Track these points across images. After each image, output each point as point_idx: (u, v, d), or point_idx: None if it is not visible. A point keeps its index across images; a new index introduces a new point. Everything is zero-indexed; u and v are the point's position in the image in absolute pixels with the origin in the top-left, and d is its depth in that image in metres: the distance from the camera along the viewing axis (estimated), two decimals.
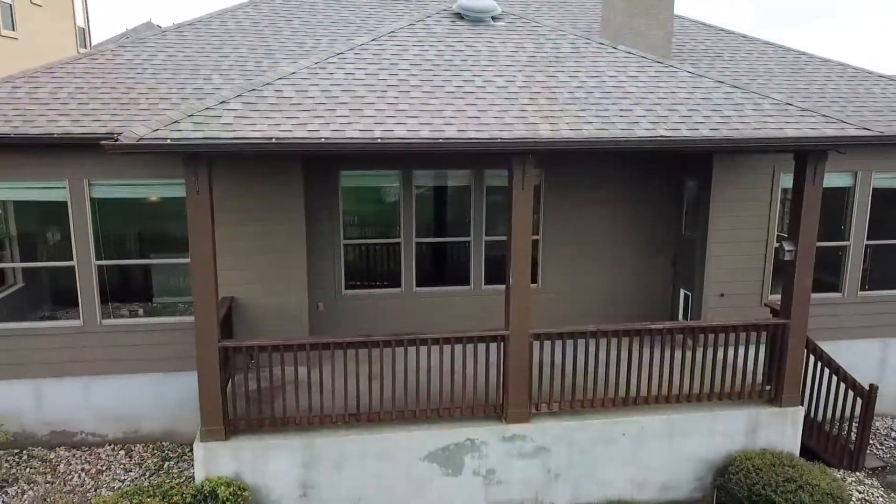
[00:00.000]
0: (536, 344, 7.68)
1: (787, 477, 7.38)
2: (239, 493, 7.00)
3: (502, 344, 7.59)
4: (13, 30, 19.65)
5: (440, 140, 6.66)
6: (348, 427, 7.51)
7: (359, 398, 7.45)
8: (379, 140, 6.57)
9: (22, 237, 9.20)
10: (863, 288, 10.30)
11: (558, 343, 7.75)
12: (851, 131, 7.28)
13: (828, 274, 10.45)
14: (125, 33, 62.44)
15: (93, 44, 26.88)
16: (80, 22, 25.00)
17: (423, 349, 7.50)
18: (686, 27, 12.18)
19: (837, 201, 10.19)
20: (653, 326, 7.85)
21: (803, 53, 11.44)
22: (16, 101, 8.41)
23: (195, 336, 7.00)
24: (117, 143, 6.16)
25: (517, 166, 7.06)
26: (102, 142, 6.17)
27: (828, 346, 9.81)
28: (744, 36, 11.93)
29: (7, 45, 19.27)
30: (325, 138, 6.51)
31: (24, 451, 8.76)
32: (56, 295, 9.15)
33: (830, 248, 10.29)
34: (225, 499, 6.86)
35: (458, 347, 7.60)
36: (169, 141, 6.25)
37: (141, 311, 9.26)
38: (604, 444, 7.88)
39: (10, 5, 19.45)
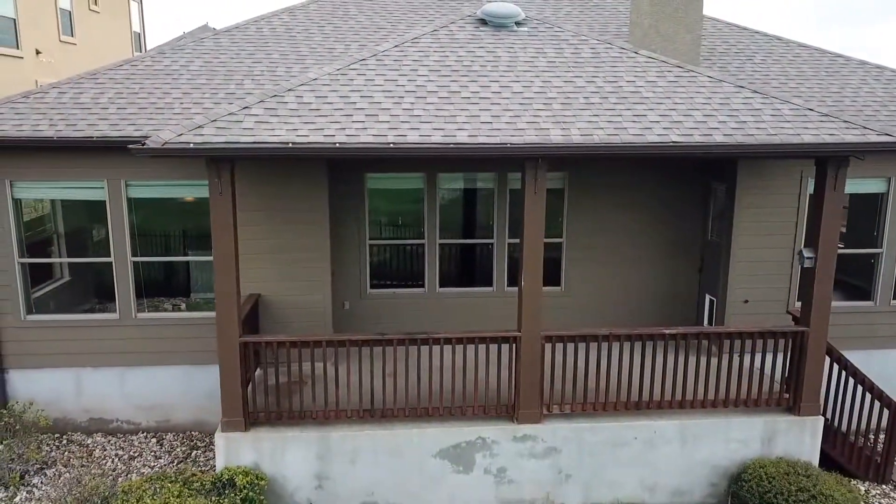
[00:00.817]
0: (549, 346, 7.77)
1: (801, 486, 7.29)
2: (256, 481, 7.30)
3: (514, 345, 7.72)
4: (72, 36, 20.62)
5: (451, 145, 6.83)
6: (362, 422, 7.74)
7: (373, 394, 7.68)
8: (391, 145, 6.78)
9: (68, 234, 9.78)
10: None
11: (570, 345, 7.83)
12: (873, 137, 7.16)
13: (860, 282, 10.24)
14: (182, 36, 64.39)
15: (148, 47, 27.90)
16: (136, 27, 26.03)
17: (437, 348, 7.68)
18: (719, 29, 12.05)
19: (871, 207, 9.98)
20: (666, 331, 7.85)
21: (840, 56, 11.19)
22: (61, 106, 8.92)
23: (217, 331, 7.33)
24: (144, 146, 6.53)
25: (529, 171, 7.18)
26: (130, 146, 6.54)
27: (859, 356, 9.65)
28: (778, 38, 11.73)
29: (66, 50, 20.23)
30: (340, 143, 6.75)
31: (64, 436, 9.29)
32: (99, 289, 9.65)
33: (862, 256, 10.09)
34: (242, 486, 7.17)
35: (471, 347, 7.77)
36: (192, 145, 6.58)
37: (183, 306, 9.72)
38: (615, 447, 7.92)
39: (70, 13, 20.42)
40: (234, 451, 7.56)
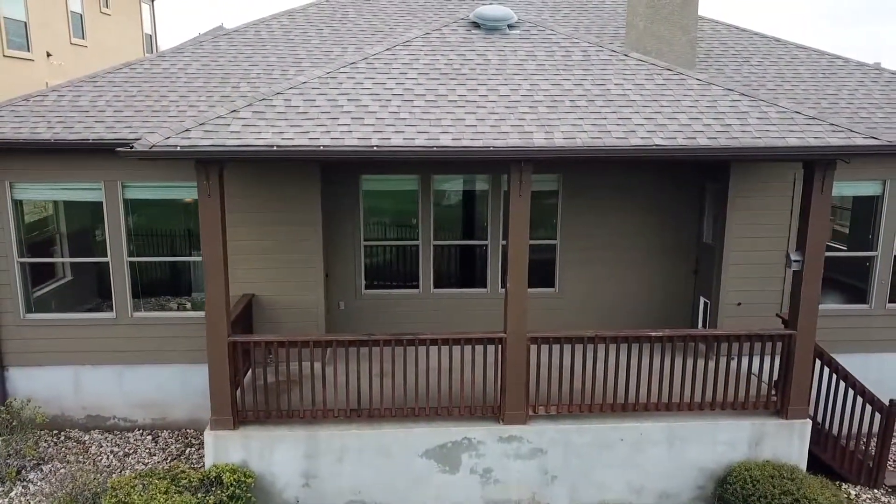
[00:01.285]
0: (534, 347, 7.81)
1: (784, 489, 7.29)
2: (243, 479, 7.40)
3: (500, 346, 7.77)
4: (83, 38, 20.90)
5: (434, 148, 6.90)
6: (350, 422, 7.83)
7: (360, 394, 7.77)
8: (375, 147, 6.86)
9: (69, 235, 9.97)
10: (892, 300, 9.97)
11: (556, 347, 7.86)
12: (858, 140, 7.13)
13: (856, 284, 10.18)
14: (196, 37, 64.88)
15: (161, 49, 28.17)
16: (148, 28, 26.30)
17: (423, 349, 7.74)
18: (718, 31, 12.02)
19: (867, 210, 9.93)
20: (652, 333, 7.87)
21: (838, 57, 11.13)
22: (60, 109, 9.10)
23: (206, 330, 7.45)
24: (132, 149, 6.66)
25: (514, 173, 7.23)
26: (118, 148, 6.67)
27: (856, 359, 9.66)
28: (776, 39, 11.69)
29: (77, 52, 20.51)
30: (324, 146, 6.85)
31: (62, 433, 9.47)
32: (100, 288, 9.79)
33: (858, 258, 10.04)
34: (229, 484, 7.28)
35: (457, 348, 7.83)
36: (178, 148, 6.71)
37: (188, 305, 9.86)
38: (602, 449, 7.95)
39: (81, 15, 20.70)
40: (223, 449, 7.68)
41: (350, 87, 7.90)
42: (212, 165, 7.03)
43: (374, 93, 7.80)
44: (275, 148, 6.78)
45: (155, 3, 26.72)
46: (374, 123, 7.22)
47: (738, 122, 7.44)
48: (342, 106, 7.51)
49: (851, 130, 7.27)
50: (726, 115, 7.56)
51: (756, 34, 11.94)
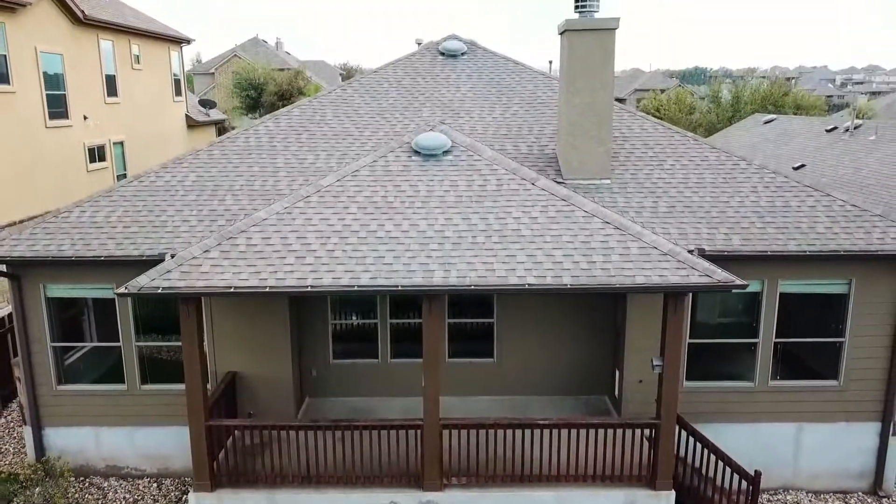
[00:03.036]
0: (446, 431, 9.81)
1: None
2: None
3: (419, 431, 9.79)
4: (116, 96, 23.40)
5: (355, 287, 8.93)
6: (302, 486, 9.97)
7: (308, 465, 9.90)
8: (309, 288, 8.92)
9: (96, 322, 12.28)
10: (774, 378, 11.65)
11: (464, 431, 9.86)
12: (693, 279, 8.91)
13: (742, 366, 11.86)
14: (233, 49, 67.68)
15: (186, 82, 30.53)
16: (176, 70, 28.74)
17: (357, 433, 9.83)
18: (645, 129, 13.67)
19: (749, 303, 11.62)
20: (540, 421, 9.82)
21: (742, 160, 12.72)
22: (81, 225, 11.37)
23: (188, 417, 9.64)
24: (127, 291, 8.85)
25: (424, 303, 9.24)
26: (115, 290, 8.88)
27: (745, 429, 11.53)
28: (695, 139, 13.31)
29: (111, 109, 23.02)
30: (270, 287, 8.93)
31: (87, 480, 11.85)
32: (117, 364, 12.05)
33: (744, 344, 11.72)
34: None
35: (384, 433, 9.90)
36: (160, 290, 8.87)
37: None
38: None
39: (114, 76, 23.18)
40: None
41: (301, 223, 9.94)
42: (188, 298, 9.18)
43: (319, 230, 9.83)
44: (232, 289, 8.90)
45: (183, 47, 29.14)
46: (312, 263, 9.26)
47: (603, 258, 9.26)
48: (291, 244, 9.57)
49: (692, 268, 9.04)
50: (595, 251, 9.39)
51: (678, 132, 13.58)
